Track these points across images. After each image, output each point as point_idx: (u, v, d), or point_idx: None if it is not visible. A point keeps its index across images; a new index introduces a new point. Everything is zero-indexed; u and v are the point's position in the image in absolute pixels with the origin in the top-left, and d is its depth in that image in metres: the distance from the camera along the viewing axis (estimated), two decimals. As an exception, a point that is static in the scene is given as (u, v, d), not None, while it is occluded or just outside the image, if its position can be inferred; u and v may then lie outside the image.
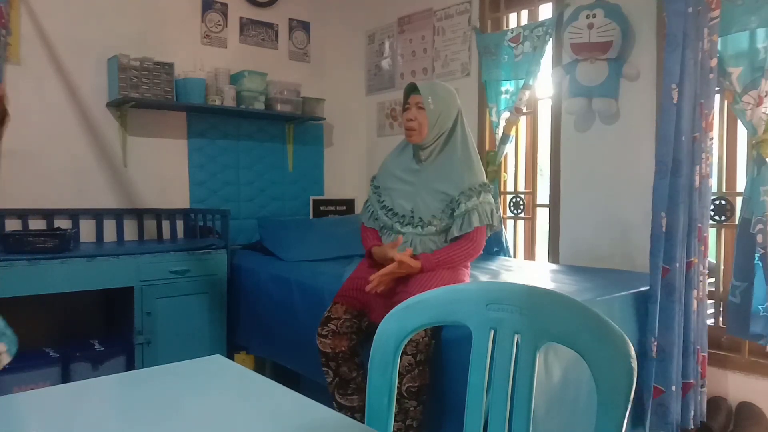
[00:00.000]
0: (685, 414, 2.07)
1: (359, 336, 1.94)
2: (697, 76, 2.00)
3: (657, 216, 2.02)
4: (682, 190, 2.00)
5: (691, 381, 2.07)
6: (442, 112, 1.97)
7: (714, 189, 2.33)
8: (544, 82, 3.04)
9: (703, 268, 2.09)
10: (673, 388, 2.01)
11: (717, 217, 2.39)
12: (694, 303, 2.06)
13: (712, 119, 2.09)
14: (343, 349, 1.90)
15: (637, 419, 2.06)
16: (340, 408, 1.92)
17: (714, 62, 2.03)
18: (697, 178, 2.02)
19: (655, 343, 2.01)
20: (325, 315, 1.96)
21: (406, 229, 1.99)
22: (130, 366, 2.68)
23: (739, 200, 2.30)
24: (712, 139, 2.09)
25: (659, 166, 2.00)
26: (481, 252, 1.99)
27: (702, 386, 2.13)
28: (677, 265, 2.01)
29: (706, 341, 2.14)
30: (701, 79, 2.02)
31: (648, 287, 2.10)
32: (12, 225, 2.75)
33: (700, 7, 1.98)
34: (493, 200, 2.00)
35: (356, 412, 1.92)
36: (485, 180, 2.02)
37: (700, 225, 2.05)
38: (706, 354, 2.13)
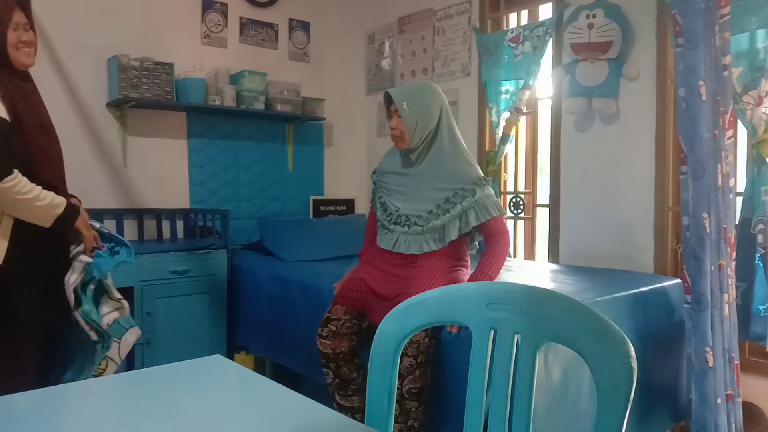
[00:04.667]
0: (729, 428, 1.94)
1: (359, 337, 1.94)
2: (712, 74, 1.93)
3: (699, 217, 1.91)
4: (709, 190, 1.91)
5: (730, 392, 1.95)
6: (421, 114, 1.91)
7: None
8: (544, 82, 3.04)
9: (731, 270, 1.97)
10: (719, 401, 1.89)
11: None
12: (726, 308, 1.94)
13: (731, 117, 2.00)
14: (343, 350, 1.89)
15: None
16: (341, 409, 1.92)
17: (728, 59, 1.95)
18: (719, 177, 1.92)
19: (710, 353, 1.89)
20: (325, 316, 1.96)
21: (393, 227, 1.98)
22: (130, 366, 2.68)
23: (739, 200, 2.30)
24: (730, 138, 1.99)
25: (694, 166, 1.91)
26: (509, 239, 1.93)
27: (738, 395, 1.99)
28: (712, 268, 1.90)
29: (737, 347, 2.00)
30: (716, 77, 1.94)
31: (649, 287, 2.10)
32: (12, 225, 2.74)
33: (710, 3, 1.92)
34: (492, 191, 1.94)
35: (356, 413, 1.92)
36: (480, 173, 1.96)
37: (725, 226, 1.94)
38: (738, 362, 2.00)
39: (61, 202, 1.70)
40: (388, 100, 1.98)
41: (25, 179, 1.62)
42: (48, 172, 1.74)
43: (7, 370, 1.71)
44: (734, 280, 2.01)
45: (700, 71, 1.88)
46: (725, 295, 1.94)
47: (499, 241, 1.89)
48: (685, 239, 1.97)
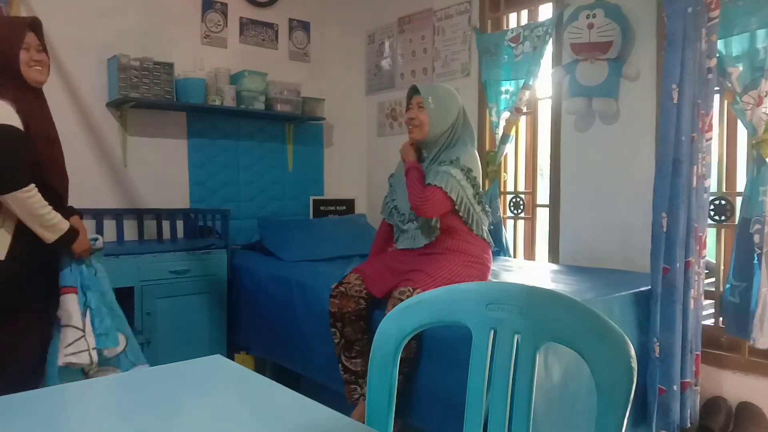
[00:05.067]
0: (683, 413, 2.08)
1: (367, 302, 2.04)
2: (694, 77, 2.00)
3: (658, 216, 2.02)
4: (682, 190, 2.00)
5: (688, 380, 2.08)
6: (441, 111, 2.08)
7: (714, 189, 2.33)
8: (544, 82, 3.04)
9: (698, 267, 2.09)
10: (675, 387, 2.02)
11: (717, 217, 2.39)
12: (692, 302, 2.06)
13: (711, 120, 2.08)
14: (349, 309, 2.01)
15: (642, 419, 2.06)
16: (345, 371, 2.03)
17: (713, 62, 2.03)
18: (695, 178, 2.03)
19: (657, 343, 2.02)
20: (341, 280, 2.09)
21: (407, 227, 2.12)
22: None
23: (739, 200, 2.30)
24: (709, 139, 2.09)
25: (660, 166, 2.01)
26: (430, 214, 1.99)
27: (695, 384, 2.13)
28: (677, 265, 2.01)
29: (700, 340, 2.15)
30: (699, 80, 2.02)
31: (648, 287, 2.10)
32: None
33: (699, 7, 1.98)
34: (458, 173, 2.00)
35: (359, 378, 2.01)
36: (470, 166, 2.05)
37: (696, 225, 2.05)
38: (699, 353, 2.15)
39: (65, 226, 1.85)
40: (411, 93, 2.14)
41: (39, 195, 1.74)
42: (52, 178, 1.86)
43: (11, 357, 1.79)
44: (701, 276, 2.11)
45: (675, 75, 1.96)
46: (692, 291, 2.05)
47: (423, 193, 1.96)
48: (653, 236, 2.06)
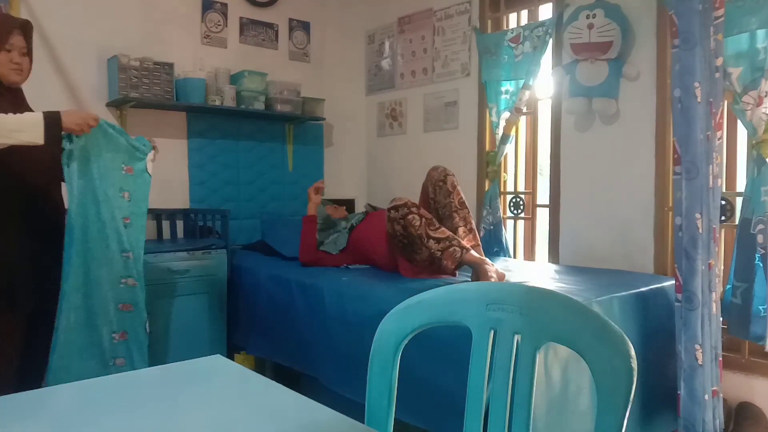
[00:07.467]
0: (713, 422, 1.98)
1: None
2: (706, 75, 1.97)
3: (692, 218, 1.94)
4: (702, 191, 1.94)
5: (716, 388, 1.99)
6: None
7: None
8: (544, 82, 3.04)
9: (719, 270, 2.02)
10: (706, 397, 1.93)
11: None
12: (714, 306, 1.98)
13: (721, 118, 2.04)
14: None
15: (651, 419, 2.04)
16: (437, 242, 2.07)
17: (720, 61, 2.00)
18: (711, 178, 1.96)
19: (700, 350, 1.93)
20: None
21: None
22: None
23: (739, 200, 2.30)
24: (720, 138, 2.04)
25: (689, 166, 1.94)
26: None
27: (720, 391, 2.04)
28: (702, 267, 1.94)
29: (720, 346, 2.06)
30: (710, 78, 1.98)
31: (648, 287, 2.10)
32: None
33: (707, 5, 1.95)
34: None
35: (451, 240, 2.07)
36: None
37: (714, 226, 1.99)
38: (721, 358, 2.06)
39: (37, 118, 1.70)
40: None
41: None
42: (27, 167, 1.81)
43: None
44: (721, 279, 2.04)
45: (696, 72, 1.91)
46: (713, 294, 1.98)
47: None
48: (678, 239, 1.99)
